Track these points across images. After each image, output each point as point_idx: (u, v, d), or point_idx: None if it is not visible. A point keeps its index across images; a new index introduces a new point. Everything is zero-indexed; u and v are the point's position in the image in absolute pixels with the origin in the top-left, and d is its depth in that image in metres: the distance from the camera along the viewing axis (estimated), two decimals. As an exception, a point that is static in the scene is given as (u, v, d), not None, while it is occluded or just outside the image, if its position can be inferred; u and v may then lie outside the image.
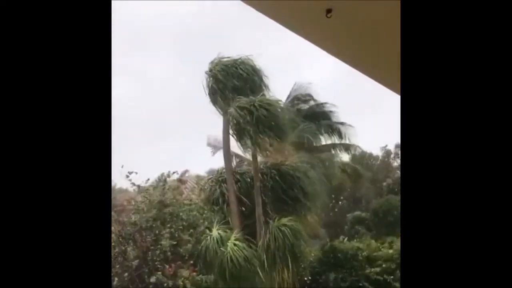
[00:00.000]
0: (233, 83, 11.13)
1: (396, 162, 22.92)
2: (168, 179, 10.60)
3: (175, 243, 9.27)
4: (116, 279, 8.82)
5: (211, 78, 11.45)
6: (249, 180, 11.24)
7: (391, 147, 23.42)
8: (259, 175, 11.04)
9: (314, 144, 14.02)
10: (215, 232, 10.05)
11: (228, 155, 11.53)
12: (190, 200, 10.84)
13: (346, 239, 13.89)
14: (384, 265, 12.20)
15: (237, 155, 12.69)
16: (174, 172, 11.04)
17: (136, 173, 10.02)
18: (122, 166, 9.67)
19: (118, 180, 9.82)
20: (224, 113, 11.28)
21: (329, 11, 2.98)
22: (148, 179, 10.60)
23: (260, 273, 10.01)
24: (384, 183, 20.15)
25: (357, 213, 18.98)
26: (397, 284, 11.75)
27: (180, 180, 11.67)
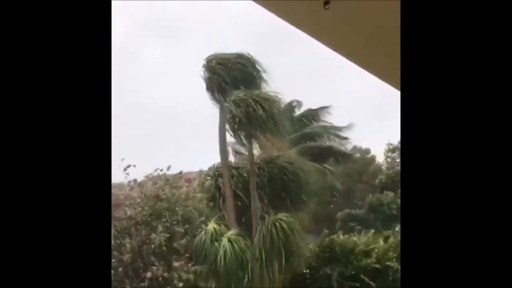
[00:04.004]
0: (230, 77, 11.07)
1: (390, 160, 23.66)
2: (166, 174, 10.61)
3: (168, 235, 9.28)
4: (112, 272, 8.81)
5: (207, 72, 11.40)
6: (245, 175, 11.21)
7: (387, 145, 24.05)
8: (255, 169, 11.01)
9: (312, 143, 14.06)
10: (211, 227, 10.04)
11: (224, 149, 11.48)
12: (187, 195, 10.83)
13: (354, 235, 13.92)
14: (379, 259, 12.22)
15: (233, 150, 12.67)
16: (181, 172, 11.06)
17: (135, 166, 10.03)
18: (123, 159, 9.68)
19: (116, 172, 9.80)
20: (221, 108, 11.24)
21: (327, 2, 2.94)
22: (156, 171, 10.56)
23: (255, 267, 10.02)
24: (377, 180, 20.39)
25: (349, 210, 19.20)
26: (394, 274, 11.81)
27: (182, 178, 11.65)
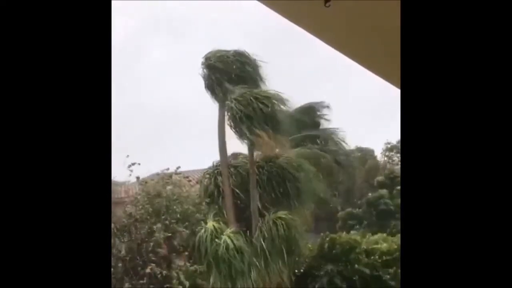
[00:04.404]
0: (228, 74, 11.05)
1: (387, 158, 24.01)
2: (168, 172, 10.59)
3: (169, 234, 9.28)
4: (112, 270, 8.82)
5: (206, 70, 11.38)
6: (244, 173, 11.19)
7: (385, 145, 24.39)
8: (255, 168, 11.00)
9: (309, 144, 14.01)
10: (210, 225, 10.03)
11: (223, 148, 11.46)
12: (187, 193, 10.83)
13: (350, 233, 13.93)
14: (380, 259, 12.21)
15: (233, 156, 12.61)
16: (178, 168, 11.04)
17: (139, 164, 10.01)
18: (128, 156, 9.67)
19: (120, 169, 9.79)
20: (220, 106, 11.22)
21: (327, 0, 2.92)
22: (162, 171, 10.50)
23: (255, 265, 10.02)
24: (376, 179, 20.47)
25: (349, 209, 19.28)
26: (388, 277, 11.80)
27: (185, 177, 11.63)
